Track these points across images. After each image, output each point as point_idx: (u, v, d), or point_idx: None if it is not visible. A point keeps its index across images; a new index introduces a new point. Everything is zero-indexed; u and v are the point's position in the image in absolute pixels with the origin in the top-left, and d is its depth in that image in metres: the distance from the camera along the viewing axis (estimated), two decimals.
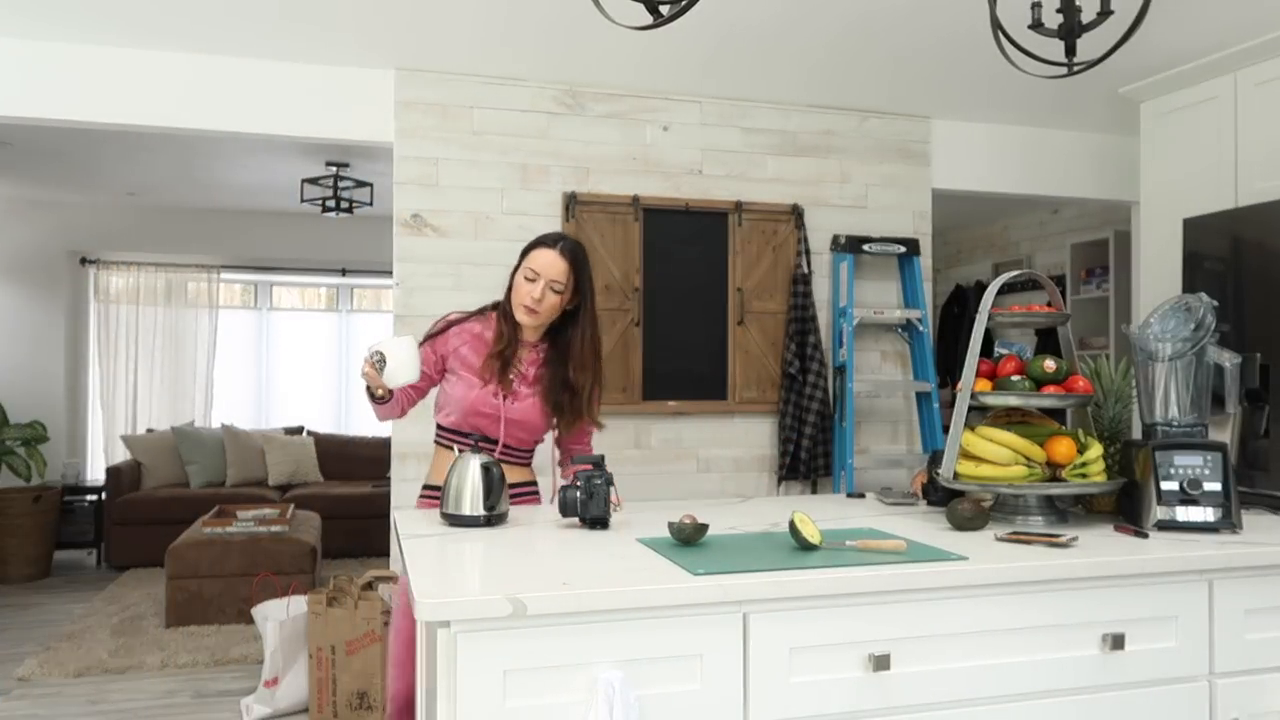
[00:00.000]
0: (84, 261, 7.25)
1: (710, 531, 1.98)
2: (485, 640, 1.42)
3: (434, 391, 2.52)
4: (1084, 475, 2.08)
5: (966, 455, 2.13)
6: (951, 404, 2.25)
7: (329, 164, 5.66)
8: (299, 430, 7.41)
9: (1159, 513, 2.02)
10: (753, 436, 4.15)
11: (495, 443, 2.41)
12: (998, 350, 2.26)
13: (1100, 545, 1.84)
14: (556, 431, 2.52)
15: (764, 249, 4.14)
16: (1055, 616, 1.70)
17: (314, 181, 5.69)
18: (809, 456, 4.07)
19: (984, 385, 2.19)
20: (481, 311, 2.50)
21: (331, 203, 5.91)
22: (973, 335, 2.17)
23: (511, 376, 2.40)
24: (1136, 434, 2.55)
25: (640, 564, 1.65)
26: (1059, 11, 2.07)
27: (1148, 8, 1.99)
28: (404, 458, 3.73)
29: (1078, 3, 2.06)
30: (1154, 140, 3.74)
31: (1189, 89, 3.57)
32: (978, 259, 7.23)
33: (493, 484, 2.08)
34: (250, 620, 4.73)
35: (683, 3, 1.80)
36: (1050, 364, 2.15)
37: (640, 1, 1.81)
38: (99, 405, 7.32)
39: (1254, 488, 2.87)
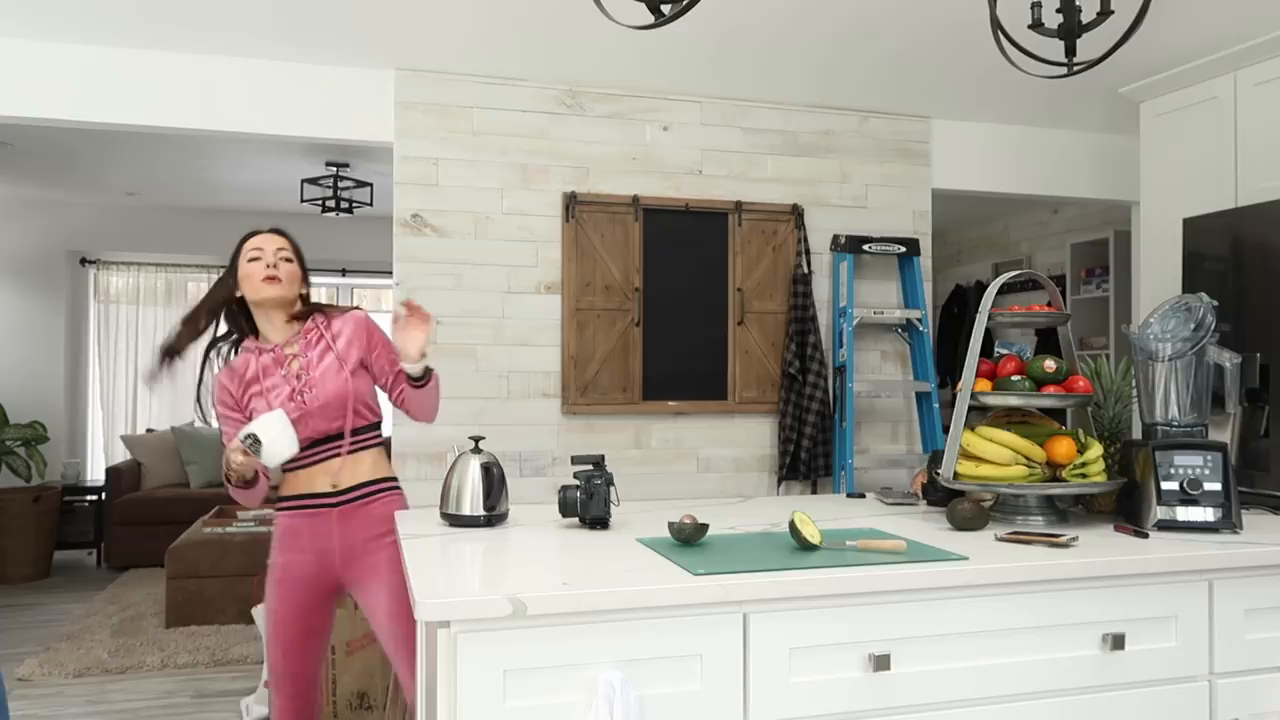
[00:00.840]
0: (84, 261, 7.25)
1: (710, 531, 1.98)
2: (485, 640, 1.42)
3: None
4: (1084, 475, 2.08)
5: (966, 455, 2.13)
6: (951, 404, 2.25)
7: (329, 164, 5.66)
8: None
9: (1159, 513, 2.03)
10: (753, 436, 4.15)
11: (340, 437, 2.31)
12: (998, 350, 2.26)
13: (1100, 545, 1.84)
14: (389, 388, 2.40)
15: (764, 249, 4.14)
16: (1055, 616, 1.70)
17: (314, 181, 5.69)
18: (809, 456, 4.07)
19: (984, 385, 2.19)
20: (228, 357, 2.40)
21: (331, 203, 5.91)
22: (973, 335, 2.17)
23: (295, 366, 2.30)
24: (1136, 434, 2.56)
25: (640, 564, 1.65)
26: (1059, 11, 2.07)
27: (1148, 8, 1.99)
28: (404, 458, 3.73)
29: (1078, 3, 2.06)
30: (1154, 140, 3.74)
31: (1188, 89, 3.57)
32: (978, 259, 7.23)
33: (493, 484, 2.09)
34: (250, 620, 4.73)
35: (684, 2, 1.80)
36: (1050, 364, 2.15)
37: (641, 1, 1.81)
38: (99, 405, 7.32)
39: (1254, 488, 2.87)
